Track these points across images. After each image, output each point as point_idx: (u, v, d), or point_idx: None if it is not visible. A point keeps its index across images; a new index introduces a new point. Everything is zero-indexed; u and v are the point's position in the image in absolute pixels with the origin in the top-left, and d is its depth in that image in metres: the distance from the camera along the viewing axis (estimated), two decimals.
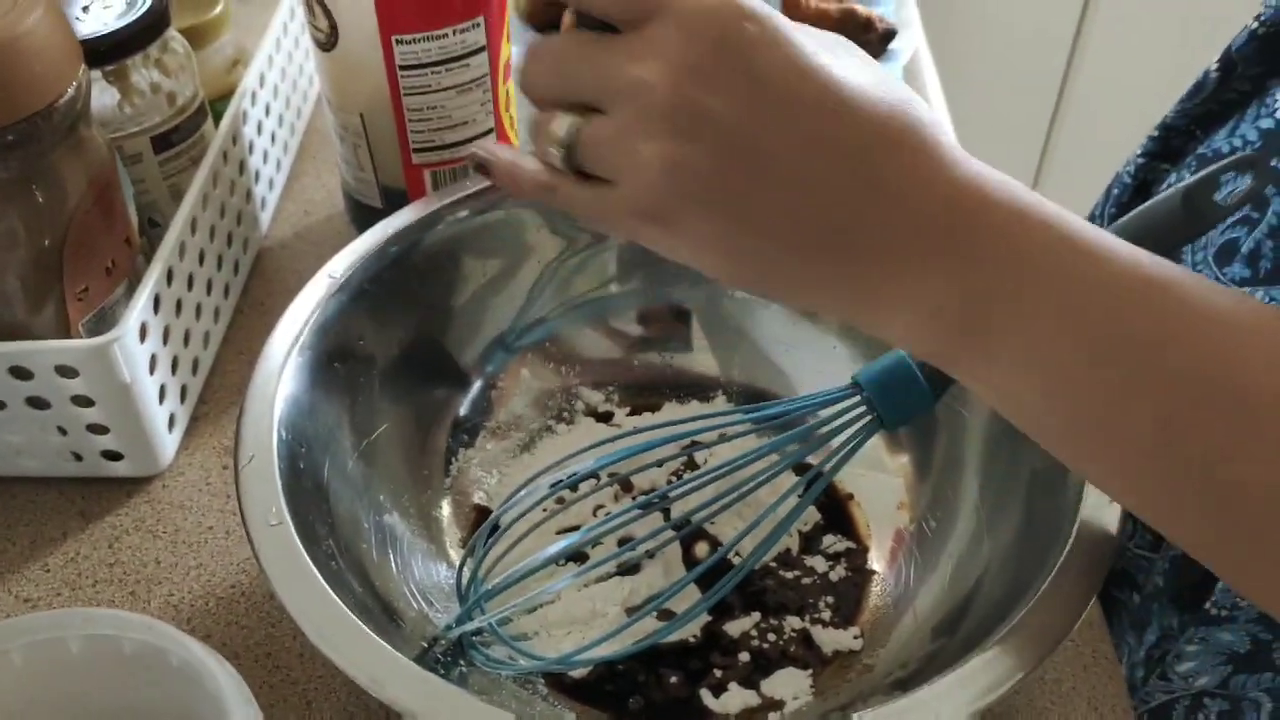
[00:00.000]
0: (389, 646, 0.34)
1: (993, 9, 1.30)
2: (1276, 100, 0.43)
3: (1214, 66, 0.48)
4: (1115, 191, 0.56)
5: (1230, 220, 0.43)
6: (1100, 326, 0.29)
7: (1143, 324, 0.29)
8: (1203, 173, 0.36)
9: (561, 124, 0.33)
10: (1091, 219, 0.59)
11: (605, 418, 0.53)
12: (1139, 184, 0.54)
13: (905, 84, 0.33)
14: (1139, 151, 0.54)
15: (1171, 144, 0.52)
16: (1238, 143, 0.45)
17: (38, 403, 0.48)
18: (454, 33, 0.53)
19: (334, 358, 0.45)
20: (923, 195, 0.30)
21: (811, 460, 0.48)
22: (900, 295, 0.31)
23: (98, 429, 0.49)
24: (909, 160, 0.30)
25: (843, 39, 0.33)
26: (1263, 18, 0.45)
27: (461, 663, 0.42)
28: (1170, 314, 0.29)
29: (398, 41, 0.52)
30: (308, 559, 0.36)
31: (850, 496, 0.49)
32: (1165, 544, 0.43)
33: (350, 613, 0.35)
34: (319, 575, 0.36)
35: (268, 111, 0.64)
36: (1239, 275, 0.42)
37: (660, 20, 0.30)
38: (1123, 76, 1.31)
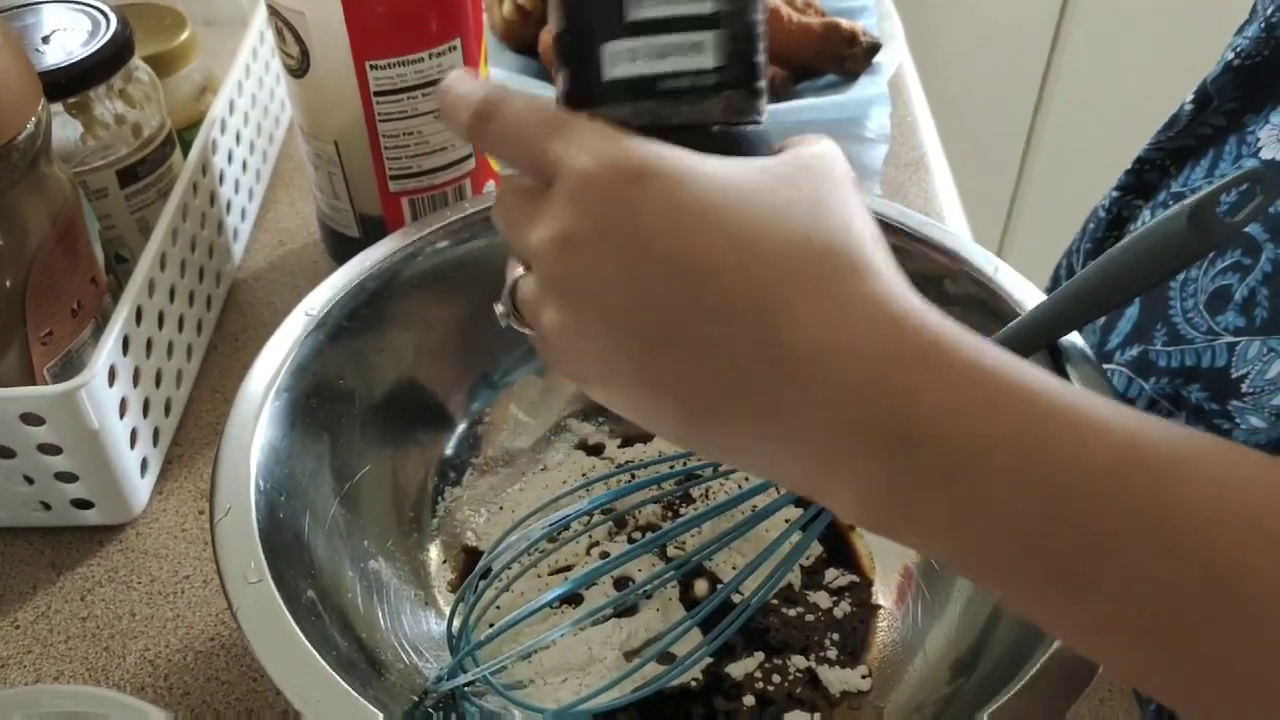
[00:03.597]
0: (378, 711, 0.32)
1: (976, 21, 1.30)
2: (1259, 139, 0.42)
3: (1189, 99, 0.46)
4: (1091, 227, 0.55)
5: (1220, 266, 0.42)
6: (1062, 535, 0.24)
7: (1118, 529, 0.24)
8: (1207, 190, 0.35)
9: (510, 273, 0.32)
10: (1069, 254, 0.57)
11: (596, 450, 0.51)
12: (1113, 219, 0.53)
13: (839, 214, 0.28)
14: (1114, 186, 0.53)
15: (1145, 178, 0.51)
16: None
17: (2, 451, 0.46)
18: (430, 56, 0.51)
19: (312, 399, 0.43)
20: (833, 367, 0.26)
21: None
22: (821, 476, 0.27)
23: (66, 477, 0.47)
24: (817, 322, 0.26)
25: (798, 168, 0.29)
26: (1238, 49, 0.44)
27: (454, 717, 0.40)
28: (1148, 512, 0.24)
29: (372, 67, 0.51)
30: (289, 618, 0.34)
31: (852, 527, 0.47)
32: None
33: (337, 676, 0.33)
34: (302, 636, 0.34)
35: (238, 139, 0.62)
36: (1233, 324, 0.41)
37: (557, 184, 0.28)
38: (1103, 84, 1.31)
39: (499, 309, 0.32)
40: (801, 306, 0.26)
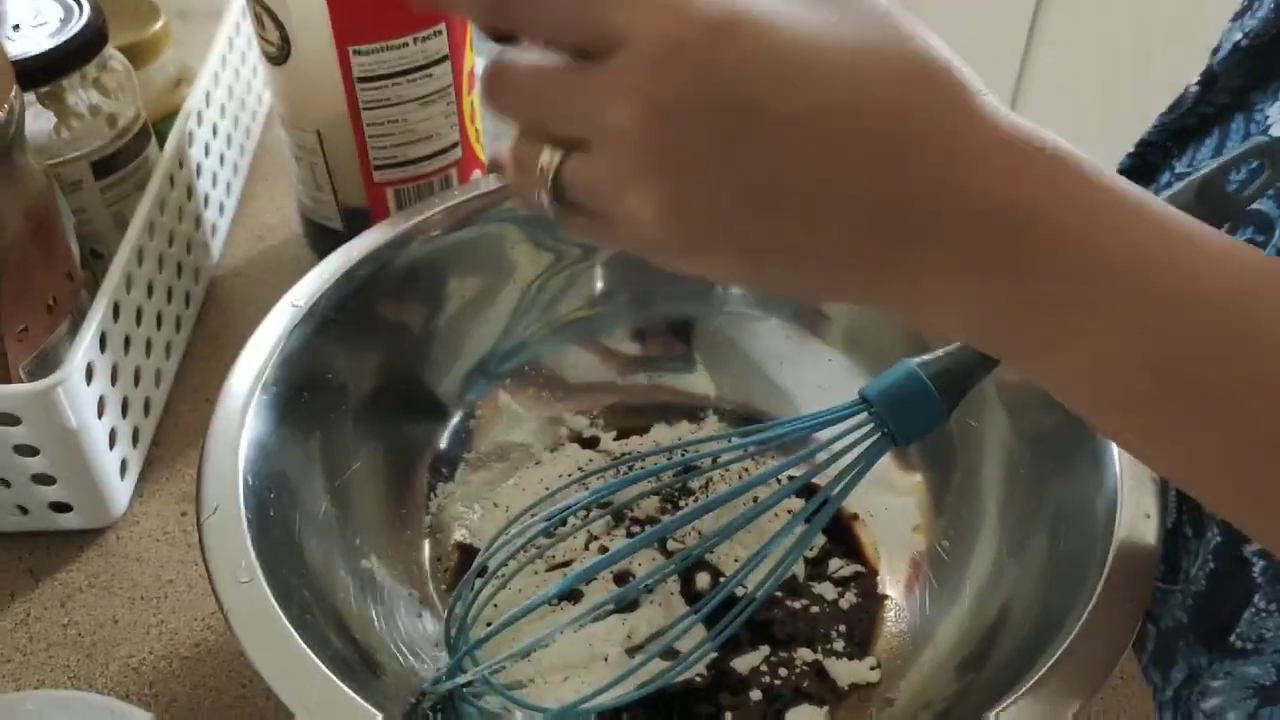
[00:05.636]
0: (377, 712, 0.31)
1: (953, 8, 1.30)
2: (1268, 116, 0.42)
3: (1195, 81, 0.46)
4: None
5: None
6: (1177, 347, 0.25)
7: (1225, 342, 0.25)
8: (1216, 163, 0.35)
9: (543, 157, 0.29)
10: None
11: (591, 443, 0.50)
12: None
13: (918, 33, 0.27)
14: (1116, 168, 0.52)
15: (1148, 160, 0.50)
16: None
17: None
18: (415, 41, 0.50)
19: (301, 393, 0.41)
20: (958, 196, 0.26)
21: (817, 481, 0.45)
22: (925, 306, 0.28)
23: (44, 479, 0.45)
24: (936, 154, 0.26)
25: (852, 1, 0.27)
26: (1248, 30, 0.44)
27: (453, 718, 0.39)
28: (1261, 341, 0.25)
29: (355, 52, 0.49)
30: (284, 619, 0.33)
31: (855, 516, 0.47)
32: (1185, 577, 0.41)
33: (335, 678, 0.32)
34: (298, 638, 0.32)
35: (215, 132, 0.61)
36: None
37: (626, 52, 0.26)
38: (1080, 76, 1.32)
39: (543, 199, 0.30)
40: (921, 144, 0.26)
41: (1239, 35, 0.43)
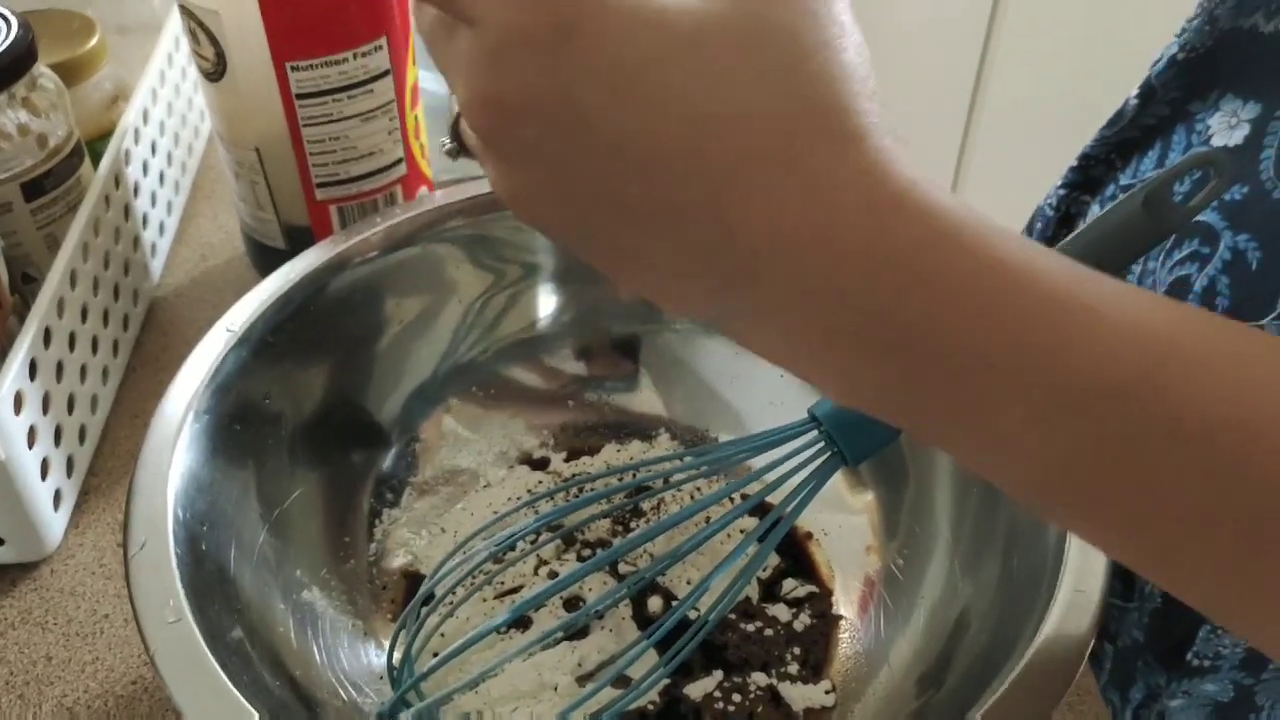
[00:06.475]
0: None
1: (909, 25, 1.30)
2: (1209, 127, 0.42)
3: (1134, 94, 0.46)
4: (1039, 225, 0.54)
5: (1178, 257, 0.41)
6: (1063, 442, 0.22)
7: (1134, 438, 0.22)
8: (1161, 173, 0.34)
9: (453, 104, 0.28)
10: None
11: (541, 464, 0.49)
12: (1062, 216, 0.52)
13: (838, 66, 0.23)
14: (1060, 183, 0.52)
15: (1091, 174, 0.50)
16: None
17: None
18: (354, 56, 0.49)
19: (236, 420, 0.40)
20: (805, 263, 0.23)
21: (769, 501, 0.44)
22: (806, 367, 0.25)
23: None
24: (785, 210, 0.23)
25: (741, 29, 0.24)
26: (1183, 43, 0.44)
27: None
28: (1173, 398, 0.22)
29: (293, 68, 0.48)
30: (212, 660, 0.32)
31: (809, 535, 0.46)
32: (1140, 595, 0.41)
33: None
34: (226, 679, 0.31)
35: (154, 150, 0.59)
36: None
37: (474, 32, 0.24)
38: (1035, 85, 1.33)
39: (443, 142, 0.29)
40: (765, 192, 0.23)
41: (1176, 48, 0.43)
